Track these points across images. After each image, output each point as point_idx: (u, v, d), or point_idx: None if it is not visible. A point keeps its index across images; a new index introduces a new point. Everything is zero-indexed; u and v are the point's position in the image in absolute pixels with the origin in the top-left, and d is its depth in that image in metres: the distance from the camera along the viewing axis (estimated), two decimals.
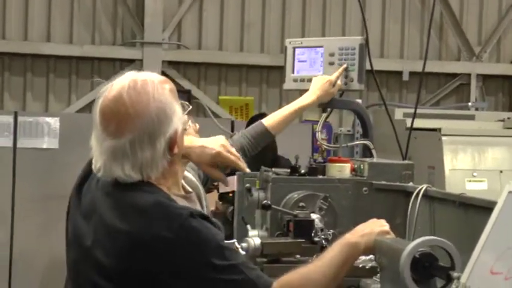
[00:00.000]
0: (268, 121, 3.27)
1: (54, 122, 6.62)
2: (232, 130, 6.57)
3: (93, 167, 2.04)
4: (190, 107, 2.13)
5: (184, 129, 2.65)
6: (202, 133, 3.14)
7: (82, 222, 2.06)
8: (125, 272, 1.91)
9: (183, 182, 2.81)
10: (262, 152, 5.85)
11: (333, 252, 2.17)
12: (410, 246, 2.00)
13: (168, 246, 1.89)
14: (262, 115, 6.26)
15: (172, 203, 1.98)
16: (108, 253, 1.94)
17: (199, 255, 1.90)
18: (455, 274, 1.89)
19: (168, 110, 2.00)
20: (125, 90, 1.98)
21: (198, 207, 2.79)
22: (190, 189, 2.81)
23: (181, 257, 1.89)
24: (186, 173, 2.83)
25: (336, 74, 3.32)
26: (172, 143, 2.00)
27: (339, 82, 3.32)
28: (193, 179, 2.88)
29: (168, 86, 2.05)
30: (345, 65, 3.35)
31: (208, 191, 6.08)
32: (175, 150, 2.02)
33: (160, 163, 1.99)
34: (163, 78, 2.07)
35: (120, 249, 1.92)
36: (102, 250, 1.95)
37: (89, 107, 7.77)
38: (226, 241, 2.12)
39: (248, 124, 6.15)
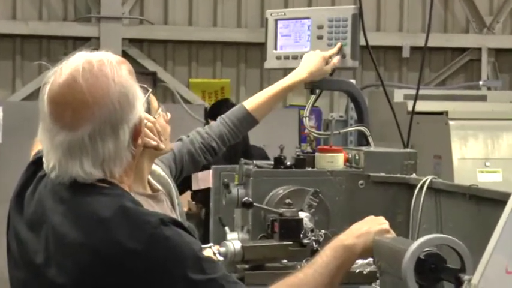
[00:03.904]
0: (251, 104, 3.23)
1: None
2: (206, 118, 6.58)
3: (44, 166, 2.00)
4: (150, 90, 2.13)
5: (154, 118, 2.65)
6: (171, 121, 3.14)
7: (28, 235, 2.02)
8: None
9: (150, 178, 2.81)
10: (234, 143, 5.89)
11: (326, 257, 2.18)
12: (414, 246, 2.02)
13: (137, 260, 1.87)
14: (226, 101, 6.31)
15: (140, 209, 1.96)
16: (64, 271, 1.91)
17: (174, 269, 1.89)
18: (466, 276, 1.91)
19: (131, 94, 1.99)
20: (79, 74, 1.95)
21: (166, 208, 2.79)
22: (158, 187, 2.81)
23: (153, 271, 1.88)
24: (155, 167, 2.81)
25: (331, 51, 3.34)
26: (137, 132, 2.00)
27: (334, 61, 3.33)
28: (163, 173, 2.87)
29: (126, 67, 2.03)
30: (339, 44, 3.36)
31: (181, 192, 6.13)
32: (139, 140, 2.03)
33: (124, 156, 1.98)
34: (119, 58, 2.05)
35: (79, 266, 1.89)
36: (57, 268, 1.92)
37: (37, 94, 7.69)
38: (202, 245, 2.13)
39: (210, 112, 6.21)
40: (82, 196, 1.96)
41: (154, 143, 2.53)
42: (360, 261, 2.55)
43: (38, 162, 2.12)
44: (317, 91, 3.52)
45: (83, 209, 1.94)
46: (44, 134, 1.99)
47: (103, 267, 1.88)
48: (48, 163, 1.98)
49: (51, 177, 2.00)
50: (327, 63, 3.33)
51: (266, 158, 5.38)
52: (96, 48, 8.08)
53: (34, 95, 7.70)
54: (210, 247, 2.67)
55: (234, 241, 2.73)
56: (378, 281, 2.53)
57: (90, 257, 1.89)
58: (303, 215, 2.83)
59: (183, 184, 5.90)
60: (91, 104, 1.93)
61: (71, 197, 1.97)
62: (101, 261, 1.88)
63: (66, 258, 1.92)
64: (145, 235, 1.88)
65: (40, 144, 2.05)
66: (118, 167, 1.98)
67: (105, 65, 1.99)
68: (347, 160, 3.18)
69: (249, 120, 3.19)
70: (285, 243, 2.75)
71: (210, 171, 3.37)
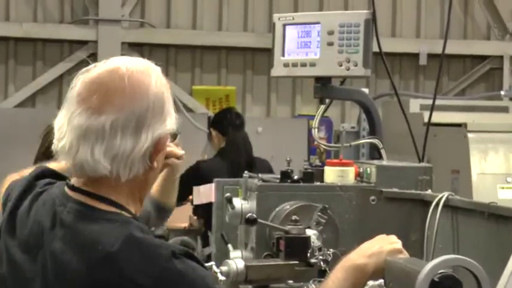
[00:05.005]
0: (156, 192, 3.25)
1: None
2: (209, 127, 6.59)
3: (53, 147, 1.99)
4: (180, 121, 2.11)
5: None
6: None
7: (23, 258, 2.00)
8: None
9: None
10: (236, 155, 5.88)
11: (337, 280, 2.18)
12: (428, 268, 2.02)
13: None
14: (231, 110, 6.33)
15: (149, 239, 1.94)
16: None
17: None
18: None
19: (166, 107, 2.00)
20: (125, 65, 1.98)
21: None
22: None
23: None
24: None
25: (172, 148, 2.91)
26: (159, 146, 1.98)
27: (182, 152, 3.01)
28: None
29: (168, 83, 2.06)
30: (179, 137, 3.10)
31: (178, 205, 6.13)
32: (155, 164, 2.00)
33: (136, 164, 1.96)
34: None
35: None
36: None
37: (31, 100, 7.76)
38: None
39: (214, 121, 6.22)
40: (85, 222, 1.94)
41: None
42: (370, 283, 2.54)
43: (37, 176, 2.13)
44: (327, 100, 3.53)
45: (87, 238, 1.92)
46: (63, 118, 1.97)
47: None
48: (59, 143, 1.96)
49: (59, 158, 1.98)
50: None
51: (271, 170, 5.39)
52: (94, 52, 8.11)
53: (28, 102, 7.72)
54: (211, 266, 2.66)
55: (237, 260, 2.73)
56: None
57: None
58: (310, 232, 2.82)
59: (184, 195, 5.91)
60: (127, 93, 1.94)
61: (73, 221, 1.95)
62: None
63: None
64: (157, 270, 1.87)
65: (54, 129, 2.02)
66: (126, 172, 1.96)
67: (151, 68, 2.02)
68: (358, 174, 3.17)
69: (164, 211, 3.29)
70: (291, 262, 2.74)
71: (212, 185, 3.37)
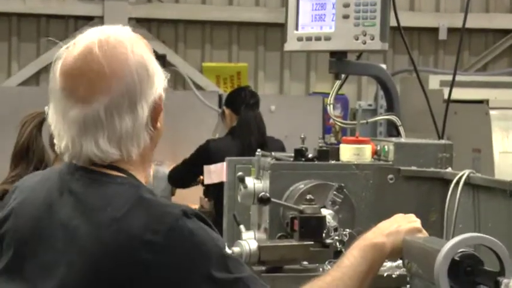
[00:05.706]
0: None
1: None
2: (220, 106, 6.60)
3: (56, 148, 2.03)
4: (168, 75, 2.15)
5: None
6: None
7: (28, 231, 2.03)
8: None
9: None
10: (247, 134, 5.89)
11: (354, 258, 2.19)
12: (448, 247, 2.02)
13: (156, 254, 1.88)
14: (244, 89, 6.33)
15: (159, 199, 1.98)
16: (73, 268, 1.92)
17: (196, 266, 1.90)
18: (505, 280, 1.92)
19: (150, 68, 2.03)
20: (95, 45, 2.00)
21: None
22: None
23: (173, 268, 1.89)
24: None
25: None
26: (156, 110, 2.03)
27: None
28: None
29: (144, 42, 2.10)
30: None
31: (189, 185, 6.15)
32: (158, 124, 2.05)
33: (142, 136, 2.00)
34: (137, 34, 2.11)
35: (90, 261, 1.91)
36: (65, 264, 1.94)
37: (35, 79, 7.78)
38: None
39: (227, 100, 6.23)
40: (95, 186, 1.98)
41: None
42: (388, 264, 2.55)
43: None
44: (343, 76, 3.52)
45: (96, 201, 1.96)
46: (55, 112, 2.01)
47: (117, 262, 1.89)
48: (60, 143, 2.00)
49: (64, 157, 2.01)
50: None
51: (284, 151, 5.40)
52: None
53: (31, 80, 7.74)
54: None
55: (250, 240, 2.74)
56: (408, 285, 2.54)
57: (103, 251, 1.90)
58: (325, 212, 2.83)
59: (194, 176, 5.92)
60: (108, 75, 1.97)
61: (83, 187, 1.99)
62: (115, 256, 1.89)
63: (75, 253, 1.93)
64: (166, 227, 1.90)
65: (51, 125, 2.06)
66: (136, 148, 2.00)
67: (123, 36, 2.05)
68: (375, 152, 3.17)
69: None
70: (305, 243, 2.75)
71: (224, 164, 3.38)
